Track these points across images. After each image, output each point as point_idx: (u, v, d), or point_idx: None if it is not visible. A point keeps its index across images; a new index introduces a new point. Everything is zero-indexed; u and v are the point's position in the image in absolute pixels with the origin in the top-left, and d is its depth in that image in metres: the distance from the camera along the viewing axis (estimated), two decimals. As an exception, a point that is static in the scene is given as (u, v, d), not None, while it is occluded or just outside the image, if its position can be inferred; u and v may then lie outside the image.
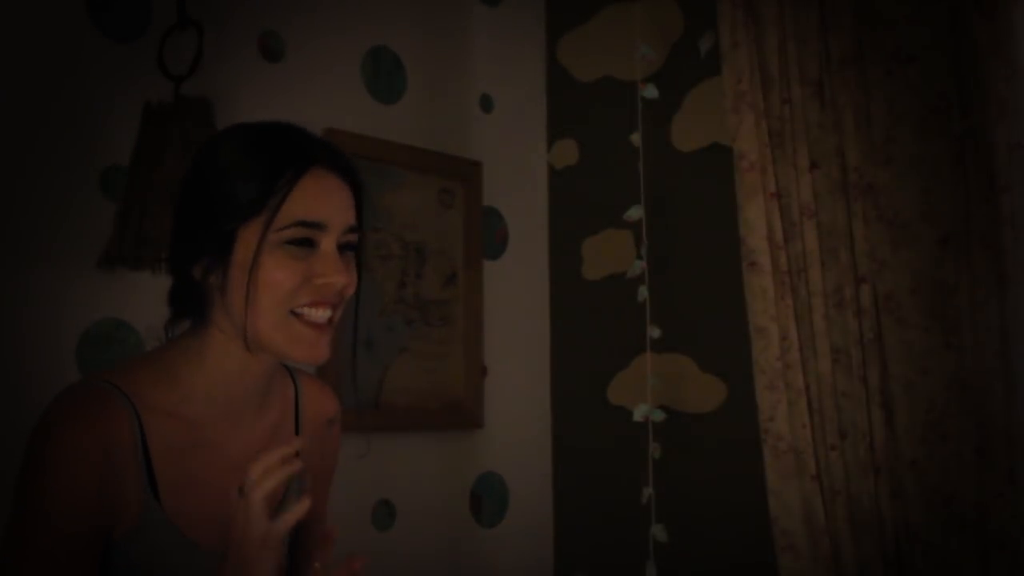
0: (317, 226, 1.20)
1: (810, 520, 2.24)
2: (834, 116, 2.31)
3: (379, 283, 2.53)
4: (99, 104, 2.07)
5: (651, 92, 2.53)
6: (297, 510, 1.12)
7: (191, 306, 1.27)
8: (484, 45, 2.85)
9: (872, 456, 2.22)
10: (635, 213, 2.52)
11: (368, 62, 2.58)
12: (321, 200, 1.21)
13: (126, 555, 1.20)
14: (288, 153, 1.22)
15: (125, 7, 2.13)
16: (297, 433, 1.38)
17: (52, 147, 2.02)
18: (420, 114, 2.68)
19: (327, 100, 2.46)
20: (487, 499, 2.75)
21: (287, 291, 1.19)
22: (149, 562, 1.20)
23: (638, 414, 2.48)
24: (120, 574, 1.20)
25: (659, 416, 2.47)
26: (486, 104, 2.85)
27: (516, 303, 2.87)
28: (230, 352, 1.24)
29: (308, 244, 1.21)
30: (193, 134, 1.97)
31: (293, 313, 1.21)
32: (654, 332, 2.51)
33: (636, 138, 2.55)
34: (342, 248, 1.23)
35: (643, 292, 2.51)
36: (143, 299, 1.81)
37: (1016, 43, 2.07)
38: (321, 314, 1.22)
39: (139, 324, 2.03)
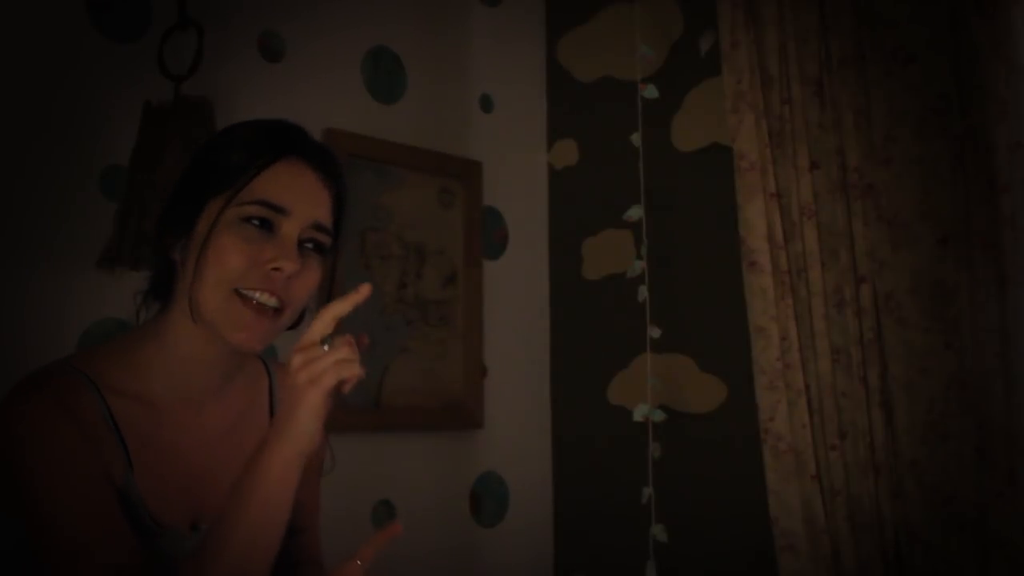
0: (279, 209, 1.20)
1: (810, 520, 2.24)
2: (834, 116, 2.31)
3: (379, 283, 2.53)
4: (99, 104, 2.07)
5: (651, 92, 2.52)
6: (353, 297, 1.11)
7: (163, 285, 1.27)
8: (484, 45, 2.85)
9: (872, 456, 2.22)
10: (635, 213, 2.52)
11: (368, 62, 2.58)
12: (290, 186, 1.21)
13: None
14: (270, 139, 1.23)
15: (125, 7, 2.13)
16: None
17: (52, 147, 2.02)
18: (420, 114, 2.68)
19: (327, 100, 2.46)
20: (487, 499, 2.75)
21: (232, 270, 1.19)
22: None
23: (638, 414, 2.48)
24: None
25: (659, 416, 2.47)
26: (486, 104, 2.85)
27: (516, 303, 2.87)
28: (187, 331, 1.24)
29: (268, 228, 1.20)
30: (193, 134, 1.97)
31: (238, 293, 1.19)
32: (654, 332, 2.50)
33: (636, 138, 2.54)
34: (305, 243, 1.22)
35: (643, 292, 2.50)
36: (143, 299, 1.80)
37: (1016, 43, 2.07)
38: (265, 298, 1.19)
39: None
